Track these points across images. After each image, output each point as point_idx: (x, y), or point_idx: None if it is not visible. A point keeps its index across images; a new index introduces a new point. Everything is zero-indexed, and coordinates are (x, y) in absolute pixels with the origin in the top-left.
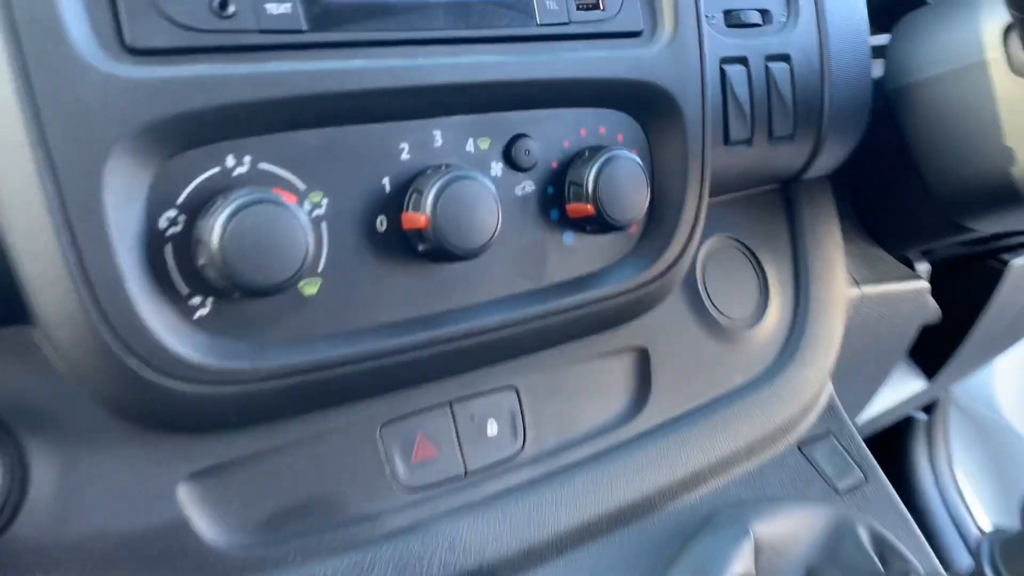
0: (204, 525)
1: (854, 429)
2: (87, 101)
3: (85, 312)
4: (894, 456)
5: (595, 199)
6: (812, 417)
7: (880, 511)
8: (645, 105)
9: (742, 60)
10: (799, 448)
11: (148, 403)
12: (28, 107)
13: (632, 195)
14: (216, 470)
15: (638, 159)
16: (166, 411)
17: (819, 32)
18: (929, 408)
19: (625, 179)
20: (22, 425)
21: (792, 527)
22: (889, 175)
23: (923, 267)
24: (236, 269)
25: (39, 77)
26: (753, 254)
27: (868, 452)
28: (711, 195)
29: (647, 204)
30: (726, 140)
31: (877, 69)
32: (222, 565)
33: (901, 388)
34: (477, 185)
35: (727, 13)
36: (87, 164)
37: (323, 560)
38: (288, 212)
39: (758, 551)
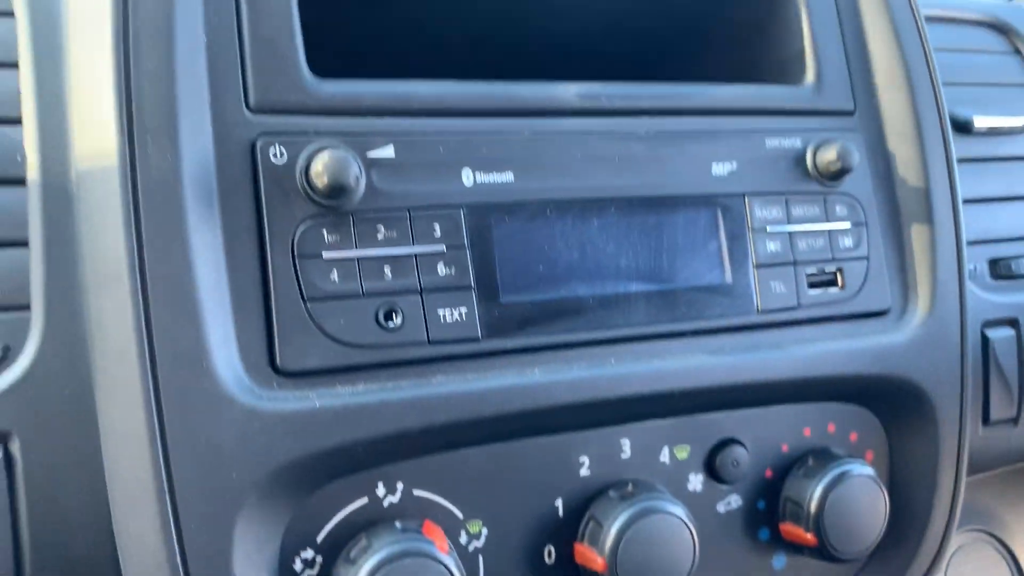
0: None
1: None
2: (224, 441)
3: None
4: None
5: (818, 528)
6: None
7: None
8: (887, 400)
9: (1011, 322)
10: None
11: None
12: (158, 449)
13: (865, 523)
14: None
15: (875, 477)
16: None
17: None
18: None
19: (858, 505)
20: None
21: None
22: None
23: None
24: None
25: (173, 415)
26: (1011, 555)
27: None
28: None
29: (882, 535)
30: (985, 420)
31: None
32: None
33: None
34: (670, 521)
35: (993, 263)
36: (217, 517)
37: None
38: (439, 568)
39: None
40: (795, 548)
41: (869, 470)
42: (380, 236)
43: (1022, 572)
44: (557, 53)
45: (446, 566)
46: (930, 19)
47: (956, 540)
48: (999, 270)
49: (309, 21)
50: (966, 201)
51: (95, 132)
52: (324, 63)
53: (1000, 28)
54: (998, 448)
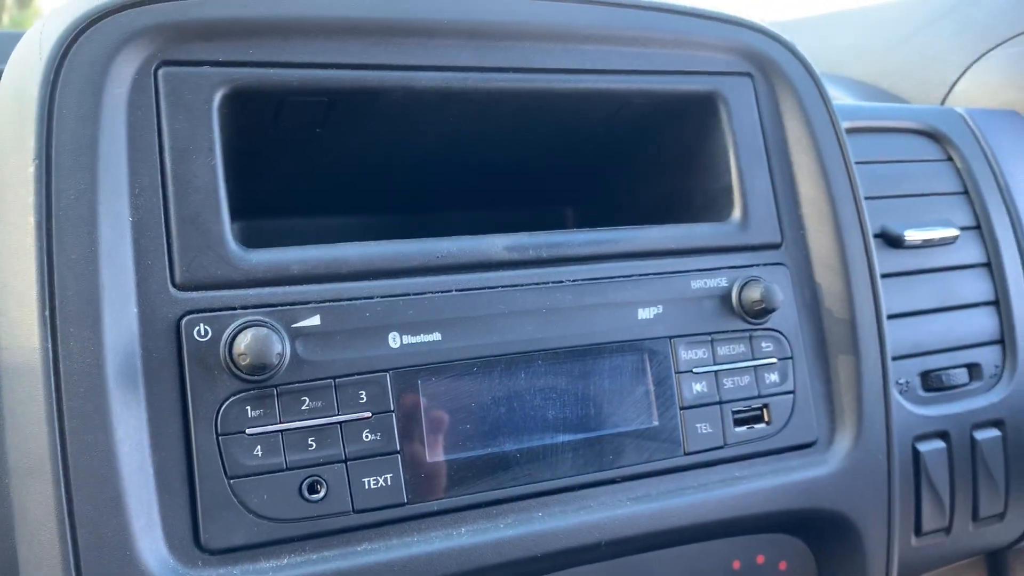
0: None
1: None
2: None
3: None
4: None
5: None
6: None
7: None
8: (816, 530)
9: (942, 435)
10: None
11: None
12: None
13: None
14: None
15: None
16: None
17: None
18: None
19: None
20: None
21: None
22: None
23: None
24: None
25: None
26: None
27: None
28: None
29: None
30: (917, 531)
31: None
32: None
33: None
34: None
35: (925, 376)
36: None
37: None
38: None
39: None
40: None
41: None
42: (304, 407)
43: None
44: (486, 190)
45: None
46: (865, 130)
47: None
48: (930, 383)
49: (234, 172)
50: (898, 315)
51: (18, 320)
52: (249, 205)
53: (933, 136)
54: (931, 555)
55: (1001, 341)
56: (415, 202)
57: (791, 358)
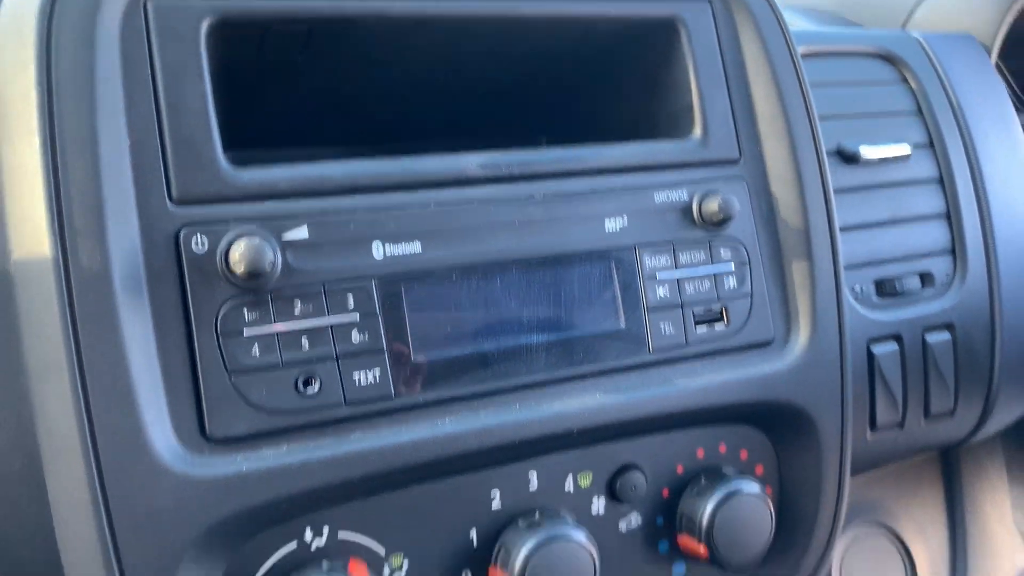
0: None
1: None
2: (162, 506)
3: None
4: None
5: (709, 540)
6: None
7: None
8: (773, 420)
9: (895, 337)
10: None
11: None
12: (102, 519)
13: (752, 537)
14: None
15: (762, 494)
16: None
17: (990, 284)
18: None
19: (745, 521)
20: None
21: None
22: None
23: None
24: None
25: (114, 487)
26: (901, 541)
27: None
28: (853, 474)
29: (770, 543)
30: (872, 426)
31: None
32: None
33: None
34: (572, 547)
35: (879, 283)
36: (159, 574)
37: None
38: None
39: None
40: (693, 558)
41: (756, 488)
42: (297, 311)
43: (911, 558)
44: (456, 116)
45: None
46: (822, 54)
47: (851, 532)
48: (884, 289)
49: (224, 101)
50: (854, 227)
51: (30, 234)
52: (239, 136)
53: (889, 59)
54: (885, 449)
55: (952, 251)
56: (396, 132)
57: (748, 263)
